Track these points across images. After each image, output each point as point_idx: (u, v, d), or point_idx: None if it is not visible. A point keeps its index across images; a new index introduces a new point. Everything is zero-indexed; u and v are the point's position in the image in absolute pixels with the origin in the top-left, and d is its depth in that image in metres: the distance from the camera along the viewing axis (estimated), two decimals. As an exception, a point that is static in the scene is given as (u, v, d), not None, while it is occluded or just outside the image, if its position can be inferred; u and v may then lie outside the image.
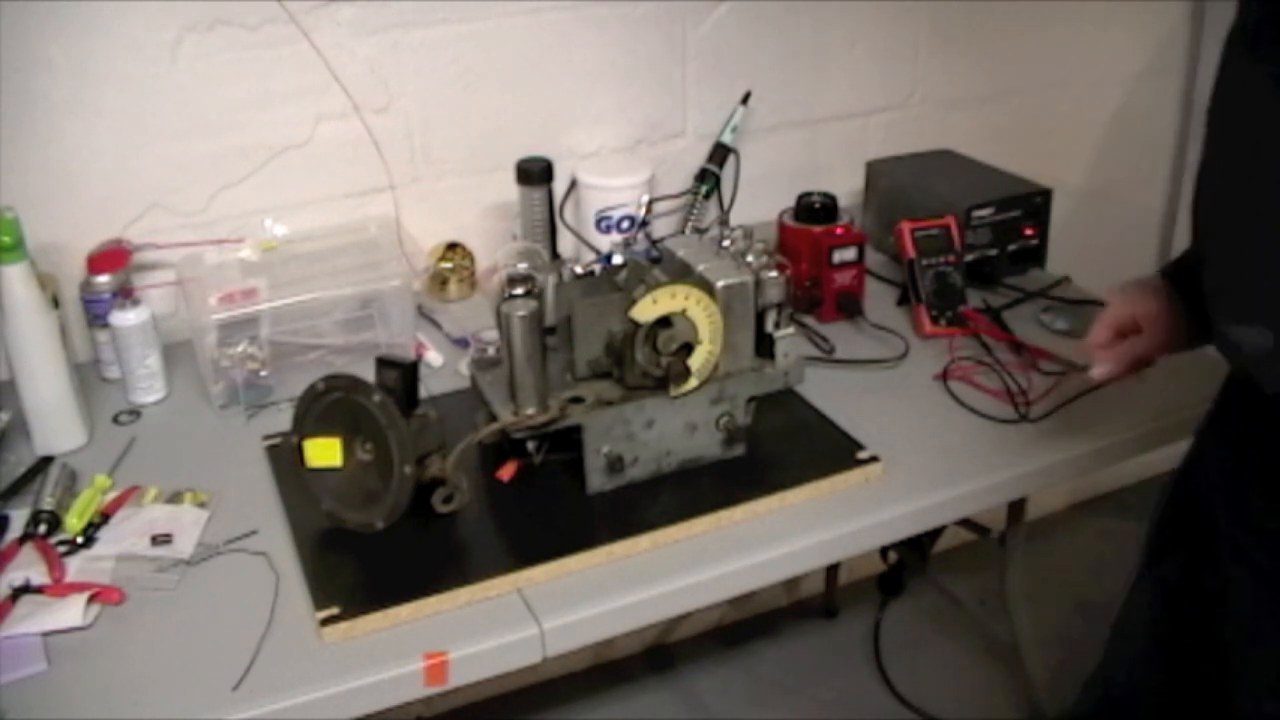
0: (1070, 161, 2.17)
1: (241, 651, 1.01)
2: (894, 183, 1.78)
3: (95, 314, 1.44)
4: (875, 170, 1.81)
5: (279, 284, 1.43)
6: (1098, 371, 1.16)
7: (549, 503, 1.19)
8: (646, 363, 1.16)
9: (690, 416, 1.20)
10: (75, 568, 1.13)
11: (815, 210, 1.61)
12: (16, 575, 1.11)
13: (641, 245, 1.50)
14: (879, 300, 1.60)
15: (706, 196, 1.78)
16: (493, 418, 1.17)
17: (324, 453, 1.13)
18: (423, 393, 1.17)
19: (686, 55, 1.79)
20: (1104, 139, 2.23)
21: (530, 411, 1.13)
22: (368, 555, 1.11)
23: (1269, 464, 1.00)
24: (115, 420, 1.39)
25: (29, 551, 1.15)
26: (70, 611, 1.05)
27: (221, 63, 1.50)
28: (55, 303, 1.40)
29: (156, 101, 1.49)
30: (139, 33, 1.45)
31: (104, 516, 1.19)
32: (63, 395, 1.31)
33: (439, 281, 1.63)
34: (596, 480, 1.19)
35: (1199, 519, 1.11)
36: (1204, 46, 2.20)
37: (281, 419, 1.30)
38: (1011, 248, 1.65)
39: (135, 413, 1.41)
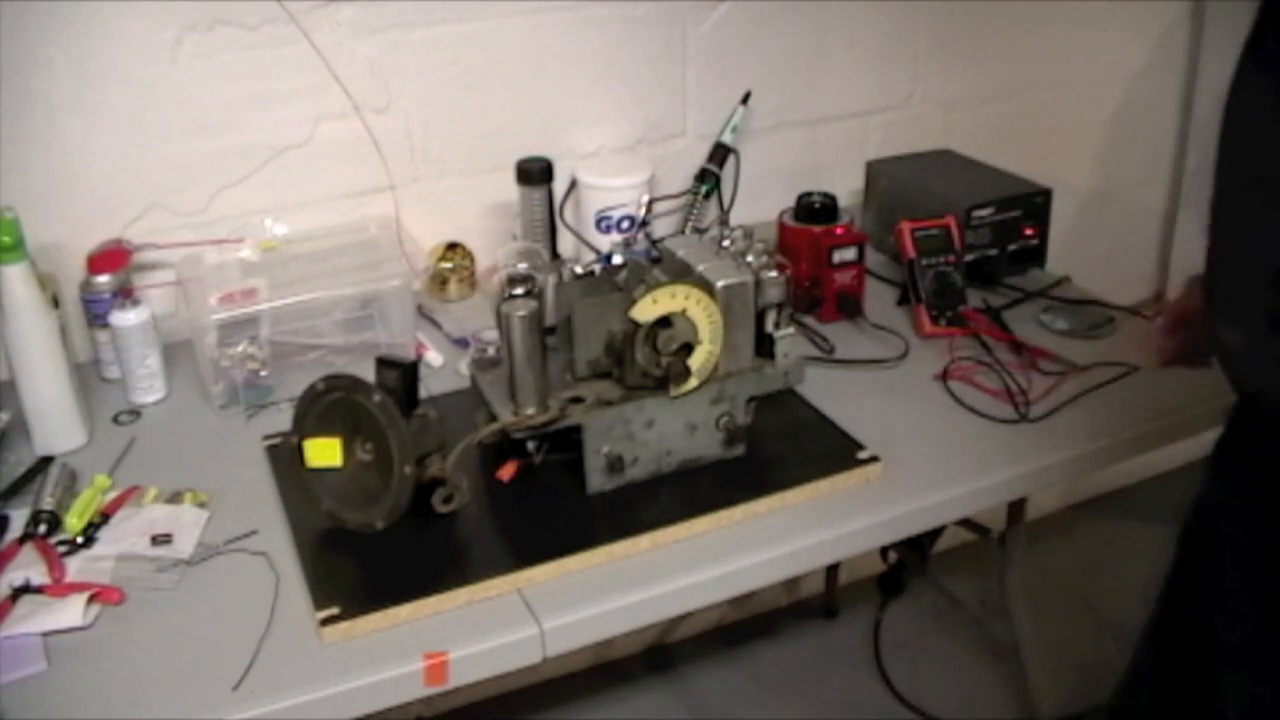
0: (1070, 161, 2.17)
1: (241, 651, 1.01)
2: (894, 183, 1.78)
3: (95, 314, 1.44)
4: (875, 170, 1.81)
5: (279, 284, 1.43)
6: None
7: (549, 503, 1.19)
8: (646, 363, 1.16)
9: (690, 416, 1.20)
10: (75, 568, 1.13)
11: (815, 210, 1.61)
12: (16, 575, 1.11)
13: (641, 245, 1.50)
14: (879, 300, 1.60)
15: (706, 196, 1.78)
16: (493, 418, 1.17)
17: (324, 453, 1.13)
18: (423, 393, 1.17)
19: (686, 55, 1.79)
20: (1104, 139, 2.23)
21: (530, 411, 1.13)
22: (368, 555, 1.11)
23: (1266, 464, 1.00)
24: (115, 420, 1.39)
25: (29, 551, 1.15)
26: (70, 611, 1.05)
27: (221, 63, 1.50)
28: (55, 303, 1.40)
29: (156, 101, 1.49)
30: (139, 33, 1.45)
31: (104, 516, 1.19)
32: (63, 395, 1.32)
33: (439, 281, 1.63)
34: (596, 480, 1.19)
35: (1203, 520, 1.12)
36: (1204, 46, 2.20)
37: (281, 419, 1.30)
38: (1011, 248, 1.65)
39: (135, 413, 1.41)
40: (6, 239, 1.23)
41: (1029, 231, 1.66)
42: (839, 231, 1.55)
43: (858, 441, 1.26)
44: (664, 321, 1.15)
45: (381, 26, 1.57)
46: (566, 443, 1.18)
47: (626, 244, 1.50)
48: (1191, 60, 2.22)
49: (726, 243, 1.24)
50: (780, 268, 1.21)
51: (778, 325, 1.22)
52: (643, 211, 1.65)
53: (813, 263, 1.55)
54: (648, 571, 1.11)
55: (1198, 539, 1.12)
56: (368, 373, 1.12)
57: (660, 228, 1.74)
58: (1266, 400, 0.95)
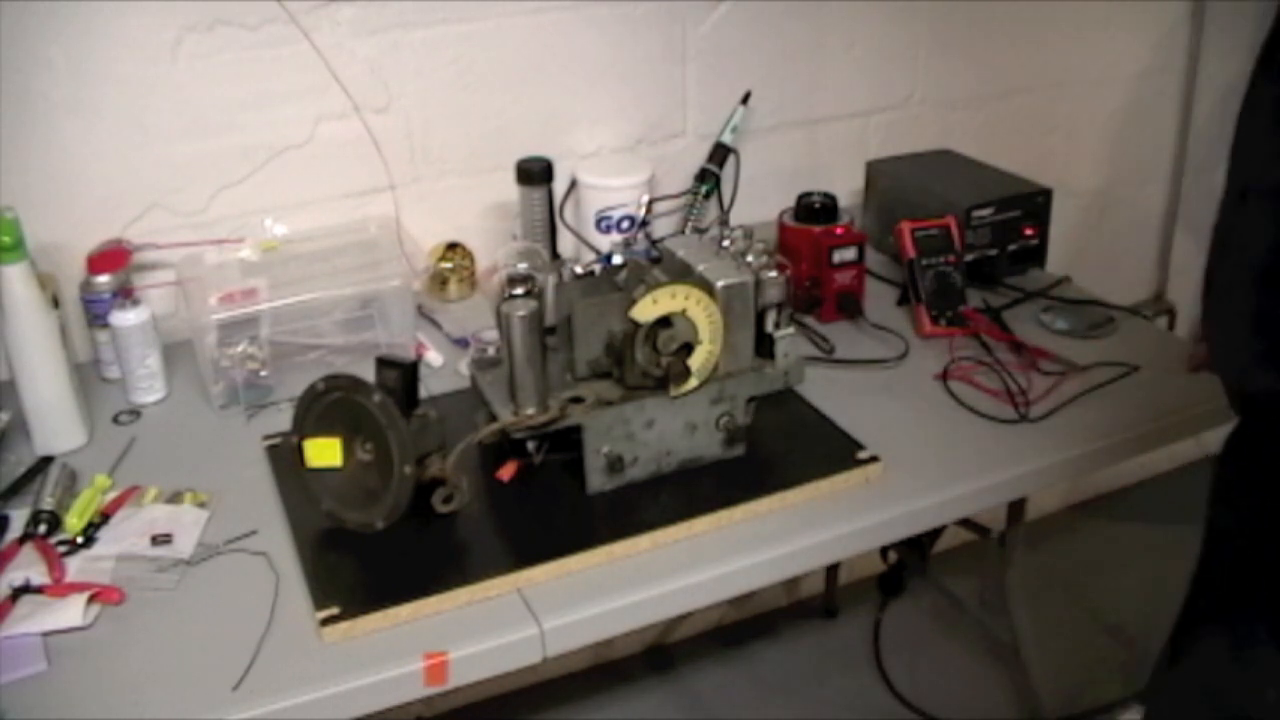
0: (1070, 161, 2.17)
1: (241, 651, 1.01)
2: (894, 183, 1.78)
3: (95, 314, 1.44)
4: (875, 170, 1.81)
5: (279, 284, 1.43)
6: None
7: (549, 503, 1.19)
8: (646, 363, 1.16)
9: (690, 416, 1.20)
10: (75, 568, 1.13)
11: (815, 210, 1.61)
12: (16, 575, 1.11)
13: (641, 245, 1.50)
14: (879, 300, 1.60)
15: (706, 196, 1.78)
16: (493, 418, 1.17)
17: (324, 453, 1.13)
18: (423, 393, 1.17)
19: (686, 55, 1.79)
20: (1104, 139, 2.23)
21: (530, 411, 1.13)
22: (368, 555, 1.11)
23: (1267, 463, 1.02)
24: (115, 420, 1.39)
25: (29, 551, 1.15)
26: (70, 611, 1.05)
27: (221, 63, 1.50)
28: (55, 303, 1.40)
29: (156, 101, 1.49)
30: (139, 33, 1.45)
31: (104, 516, 1.19)
32: (63, 395, 1.31)
33: (439, 281, 1.63)
34: (596, 480, 1.19)
35: (1214, 520, 1.13)
36: (1204, 46, 2.20)
37: (281, 419, 1.31)
38: (1011, 248, 1.65)
39: (135, 413, 1.41)
40: (6, 239, 1.23)
41: (1029, 231, 1.65)
42: (839, 231, 1.55)
43: (858, 441, 1.26)
44: (664, 321, 1.15)
45: (381, 26, 1.57)
46: (566, 443, 1.17)
47: (626, 244, 1.50)
48: (1191, 60, 2.22)
49: (726, 243, 1.24)
50: (780, 268, 1.21)
51: (778, 325, 1.22)
52: (643, 211, 1.65)
53: (813, 263, 1.55)
54: (648, 571, 1.11)
55: (1210, 540, 1.13)
56: (368, 373, 1.12)
57: (660, 228, 1.74)
58: (1264, 397, 0.96)
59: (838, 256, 1.53)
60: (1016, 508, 1.66)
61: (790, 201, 1.64)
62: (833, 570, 2.30)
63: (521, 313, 1.11)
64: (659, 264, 1.27)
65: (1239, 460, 1.09)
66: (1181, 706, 1.02)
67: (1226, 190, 0.96)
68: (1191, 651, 1.10)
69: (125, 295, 1.41)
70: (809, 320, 1.56)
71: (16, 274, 1.25)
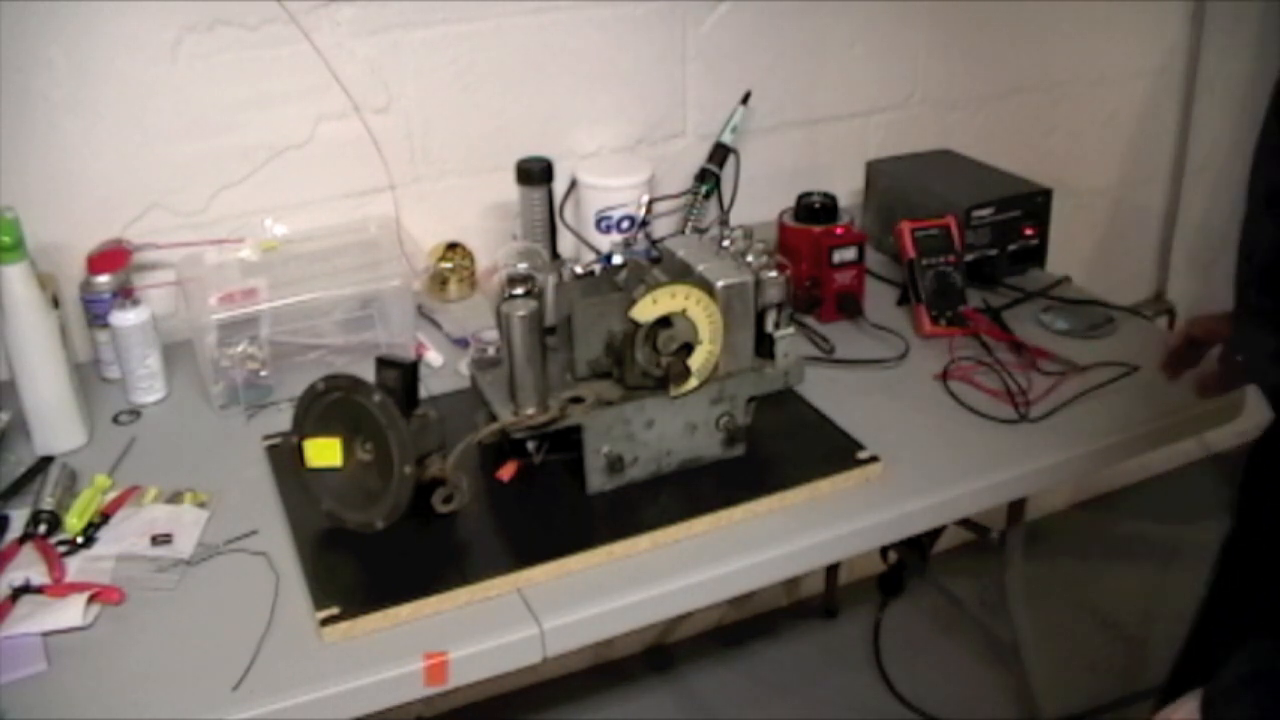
0: (1070, 161, 2.17)
1: (241, 651, 1.01)
2: (894, 183, 1.78)
3: (95, 314, 1.44)
4: (875, 170, 1.81)
5: (279, 284, 1.43)
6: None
7: (549, 503, 1.19)
8: (646, 363, 1.16)
9: (690, 416, 1.20)
10: (75, 568, 1.13)
11: (815, 210, 1.61)
12: (16, 575, 1.11)
13: (641, 245, 1.50)
14: (879, 300, 1.60)
15: (706, 196, 1.78)
16: (493, 418, 1.17)
17: (324, 453, 1.13)
18: (423, 393, 1.17)
19: (686, 55, 1.79)
20: (1104, 139, 2.23)
21: (530, 411, 1.13)
22: (368, 555, 1.11)
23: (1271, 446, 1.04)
24: (115, 420, 1.39)
25: (29, 551, 1.15)
26: (70, 611, 1.05)
27: (221, 63, 1.50)
28: (55, 303, 1.40)
29: (156, 101, 1.49)
30: (139, 33, 1.45)
31: (104, 516, 1.19)
32: (63, 395, 1.32)
33: (439, 281, 1.64)
34: (596, 480, 1.19)
35: (1239, 521, 1.14)
36: (1204, 46, 2.20)
37: (281, 419, 1.31)
38: (1011, 248, 1.65)
39: (135, 413, 1.41)
40: (6, 239, 1.23)
41: (1029, 231, 1.65)
42: (839, 231, 1.55)
43: (858, 441, 1.26)
44: (664, 321, 1.15)
45: (381, 26, 1.57)
46: (566, 443, 1.18)
47: (626, 244, 1.50)
48: (1191, 60, 2.22)
49: (726, 243, 1.24)
50: (780, 268, 1.21)
51: (778, 325, 1.22)
52: (643, 211, 1.65)
53: (813, 263, 1.55)
54: (648, 571, 1.11)
55: (1237, 530, 1.14)
56: (368, 373, 1.12)
57: (660, 228, 1.74)
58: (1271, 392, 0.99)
59: (838, 256, 1.53)
60: (1016, 508, 1.66)
61: (790, 201, 1.64)
62: (833, 570, 2.30)
63: (521, 313, 1.11)
64: (659, 264, 1.27)
65: (1267, 453, 1.10)
66: (1234, 693, 1.03)
67: (1248, 201, 0.98)
68: (1229, 642, 1.10)
69: (125, 295, 1.41)
70: (809, 320, 1.56)
71: (16, 274, 1.25)
